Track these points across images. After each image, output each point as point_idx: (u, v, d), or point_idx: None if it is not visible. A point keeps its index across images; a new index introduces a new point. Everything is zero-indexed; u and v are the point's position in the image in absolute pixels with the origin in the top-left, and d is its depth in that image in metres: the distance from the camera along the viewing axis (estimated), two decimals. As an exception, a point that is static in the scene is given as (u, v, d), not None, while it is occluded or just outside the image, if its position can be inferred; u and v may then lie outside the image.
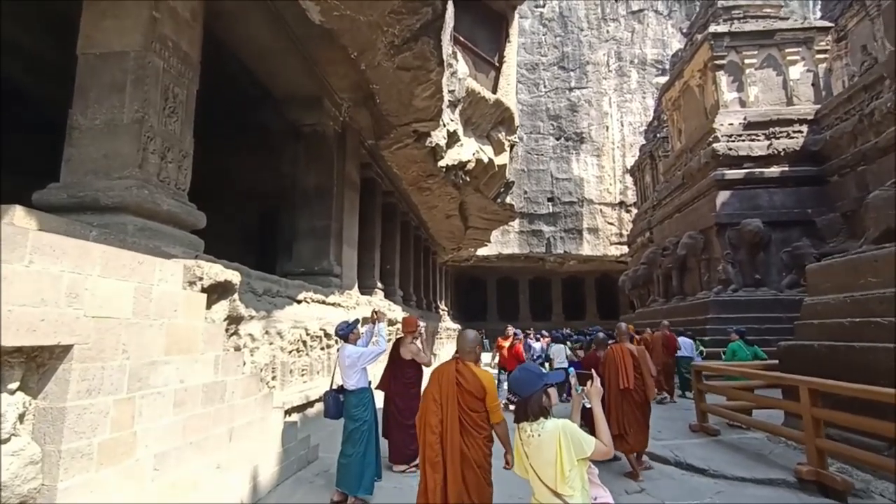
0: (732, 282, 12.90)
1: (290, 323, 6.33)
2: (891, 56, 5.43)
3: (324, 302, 7.80)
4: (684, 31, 20.74)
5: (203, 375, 3.71)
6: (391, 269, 14.55)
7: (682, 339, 9.76)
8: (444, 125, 10.45)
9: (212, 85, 5.81)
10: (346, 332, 4.49)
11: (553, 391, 2.27)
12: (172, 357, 3.38)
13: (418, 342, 5.18)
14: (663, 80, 30.26)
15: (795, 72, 14.17)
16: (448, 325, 24.84)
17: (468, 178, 13.38)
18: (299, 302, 6.92)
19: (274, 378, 5.88)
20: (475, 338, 3.02)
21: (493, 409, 2.84)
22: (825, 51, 14.18)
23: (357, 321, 4.75)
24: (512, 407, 2.32)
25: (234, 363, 4.15)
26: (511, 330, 9.55)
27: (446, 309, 27.76)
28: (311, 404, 6.58)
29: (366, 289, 11.30)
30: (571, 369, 3.48)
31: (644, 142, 25.87)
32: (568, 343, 10.08)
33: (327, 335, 7.50)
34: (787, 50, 14.16)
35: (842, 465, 4.61)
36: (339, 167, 9.58)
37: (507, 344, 8.27)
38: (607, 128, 30.82)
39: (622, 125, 30.99)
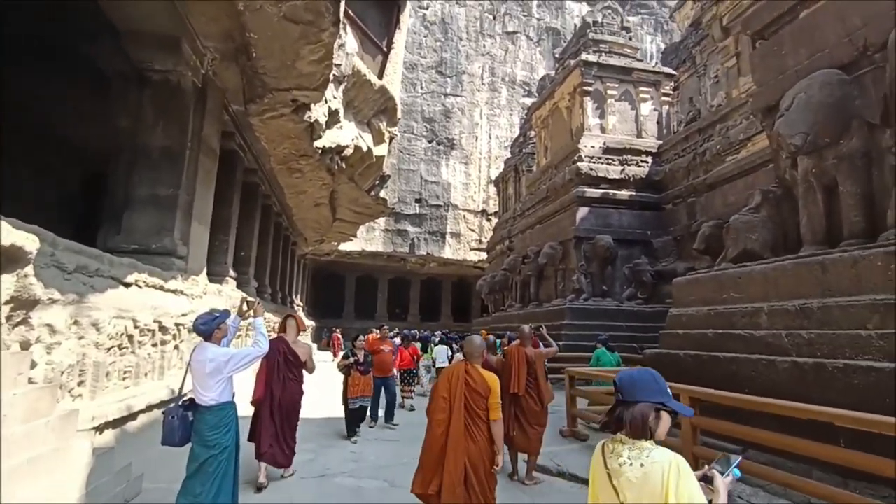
0: (584, 291, 13.89)
1: (111, 311, 4.82)
2: (757, 95, 5.97)
3: (162, 287, 6.25)
4: (557, 55, 22.24)
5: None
6: (246, 257, 12.81)
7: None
8: (327, 101, 9.38)
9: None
10: (210, 328, 3.38)
11: (665, 417, 1.63)
12: None
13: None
14: (529, 101, 32.36)
15: (645, 108, 15.92)
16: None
17: (344, 165, 12.37)
18: (128, 285, 5.37)
19: (82, 384, 4.37)
20: (481, 343, 3.37)
21: (493, 407, 3.11)
22: (669, 94, 16.19)
23: (226, 313, 3.58)
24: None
25: (11, 370, 2.80)
26: (386, 330, 8.86)
27: (301, 304, 25.91)
28: (134, 416, 5.10)
29: (216, 276, 9.64)
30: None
31: (510, 155, 27.23)
32: (453, 345, 9.89)
33: (163, 328, 5.99)
34: (641, 88, 15.85)
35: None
36: (196, 128, 7.94)
37: (386, 348, 7.61)
38: (477, 137, 31.88)
39: (490, 137, 32.34)
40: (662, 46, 28.94)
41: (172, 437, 3.16)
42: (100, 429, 4.41)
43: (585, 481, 4.73)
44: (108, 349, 4.79)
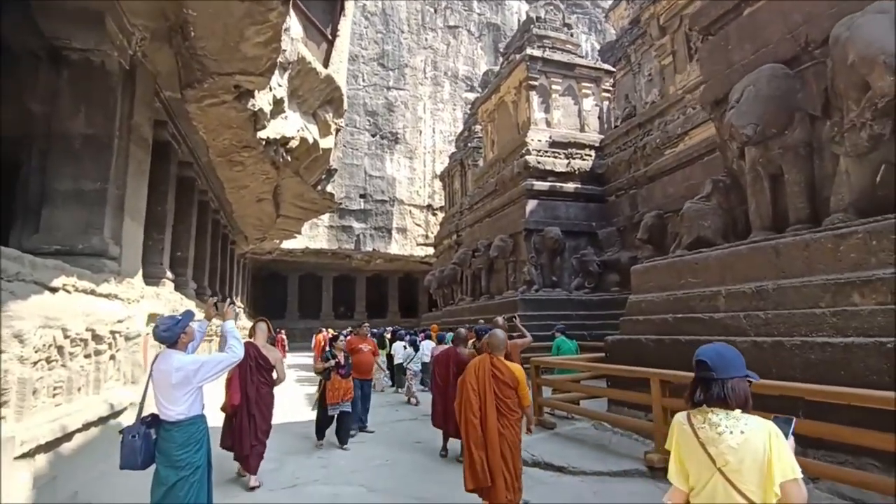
0: (535, 282, 14.12)
1: (37, 321, 4.23)
2: (706, 88, 6.21)
3: (94, 292, 5.61)
4: (502, 49, 22.41)
5: None
6: (183, 257, 11.91)
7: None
8: (272, 88, 8.85)
9: None
10: (174, 334, 3.01)
11: None
12: None
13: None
14: (472, 96, 32.52)
15: (587, 103, 16.38)
16: (244, 322, 21.98)
17: (289, 158, 11.78)
18: (55, 290, 4.77)
19: (5, 404, 3.80)
20: (504, 337, 3.55)
21: (524, 396, 3.37)
22: (609, 90, 16.75)
23: (190, 315, 3.21)
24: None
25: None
26: (366, 329, 8.22)
27: (242, 306, 24.64)
28: (69, 437, 4.53)
29: (152, 278, 8.86)
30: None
31: (454, 150, 27.24)
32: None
33: (97, 337, 5.37)
34: (583, 84, 16.29)
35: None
36: (125, 115, 7.21)
37: (365, 347, 7.13)
38: (420, 132, 31.65)
39: (434, 132, 32.22)
40: (597, 46, 30.01)
41: (134, 460, 2.79)
42: (31, 454, 3.86)
43: (559, 468, 4.76)
44: (35, 363, 4.21)
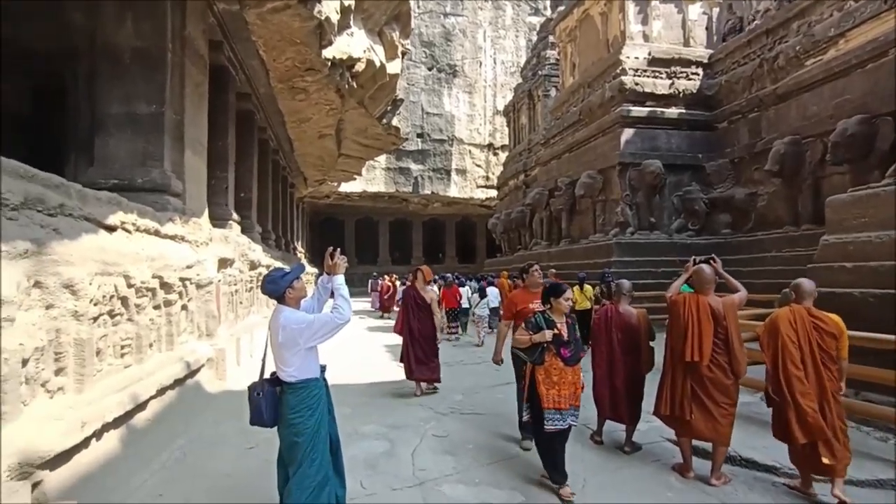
0: (630, 224, 12.54)
1: (92, 266, 3.37)
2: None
3: (157, 232, 4.78)
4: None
5: None
6: (247, 198, 11.22)
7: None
8: (339, -7, 7.51)
9: None
10: (279, 287, 2.68)
11: None
12: None
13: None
14: (537, 20, 29.59)
15: (693, 12, 13.91)
16: (308, 269, 21.78)
17: (355, 85, 10.55)
18: (111, 229, 3.91)
19: (62, 372, 2.99)
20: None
21: (843, 347, 3.22)
22: (719, -6, 14.13)
23: (300, 269, 2.83)
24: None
25: None
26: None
27: (303, 251, 24.48)
28: (142, 406, 3.79)
29: (217, 220, 8.12)
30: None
31: (519, 81, 24.96)
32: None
33: (165, 285, 4.57)
34: (689, -13, 13.75)
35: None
36: (177, 27, 6.15)
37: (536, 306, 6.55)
38: (481, 63, 29.33)
39: (495, 62, 29.79)
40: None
41: (260, 417, 2.65)
42: (97, 434, 3.09)
43: (770, 469, 3.58)
44: (95, 319, 3.38)
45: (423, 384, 5.99)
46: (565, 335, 3.22)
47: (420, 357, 5.85)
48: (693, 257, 3.59)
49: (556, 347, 3.17)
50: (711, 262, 3.44)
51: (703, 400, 3.24)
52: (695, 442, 3.47)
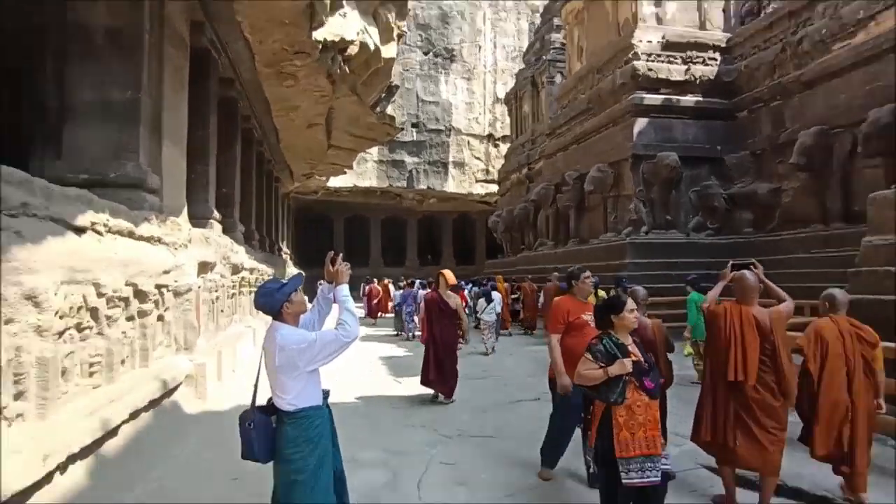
0: (644, 222, 12.41)
1: (58, 274, 3.16)
2: None
3: (132, 234, 4.56)
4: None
5: None
6: (229, 194, 10.96)
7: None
8: (331, -32, 7.30)
9: None
10: (275, 302, 2.46)
11: None
12: None
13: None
14: (540, 2, 29.42)
15: (711, -8, 13.77)
16: (291, 270, 21.44)
17: (347, 70, 10.34)
18: (80, 231, 3.68)
19: (21, 396, 2.78)
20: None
21: (879, 357, 3.34)
22: (739, -26, 13.99)
23: (298, 280, 2.57)
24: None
25: None
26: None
27: (288, 252, 24.19)
28: (113, 433, 3.58)
29: (197, 218, 7.89)
30: None
31: (522, 67, 24.77)
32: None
33: (139, 294, 4.36)
34: (706, -35, 13.61)
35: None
36: (155, 3, 5.91)
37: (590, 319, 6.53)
38: (480, 47, 29.14)
39: (495, 47, 29.61)
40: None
41: (251, 452, 2.45)
42: (62, 468, 2.88)
43: (821, 500, 3.41)
44: (60, 334, 3.17)
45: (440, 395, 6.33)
46: (642, 360, 2.69)
47: (438, 369, 6.16)
48: (730, 262, 3.42)
49: (638, 378, 2.60)
50: (752, 267, 3.27)
51: (748, 425, 3.06)
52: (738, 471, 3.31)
